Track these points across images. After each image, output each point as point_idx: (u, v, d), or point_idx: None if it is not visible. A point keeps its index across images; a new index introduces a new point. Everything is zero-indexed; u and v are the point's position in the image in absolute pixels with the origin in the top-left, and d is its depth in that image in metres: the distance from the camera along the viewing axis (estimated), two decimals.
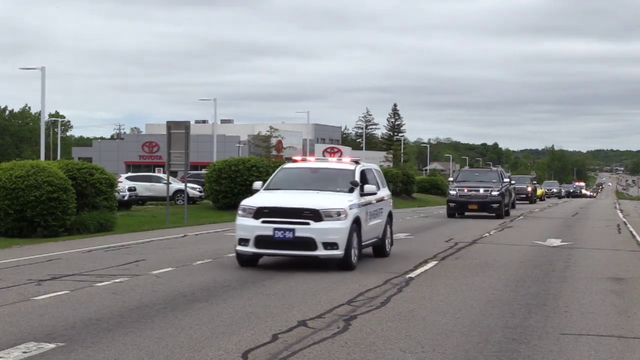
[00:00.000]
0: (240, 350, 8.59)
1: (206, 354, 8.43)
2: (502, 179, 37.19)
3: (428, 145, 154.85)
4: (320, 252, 15.04)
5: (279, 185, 16.81)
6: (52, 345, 8.68)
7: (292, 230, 14.99)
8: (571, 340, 9.46)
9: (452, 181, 36.98)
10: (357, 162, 17.87)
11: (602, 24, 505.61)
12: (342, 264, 15.31)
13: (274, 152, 74.54)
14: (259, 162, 40.29)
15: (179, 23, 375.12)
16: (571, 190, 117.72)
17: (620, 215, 42.26)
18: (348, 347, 8.87)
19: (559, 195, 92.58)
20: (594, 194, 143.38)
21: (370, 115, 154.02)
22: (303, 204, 15.25)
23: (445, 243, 21.85)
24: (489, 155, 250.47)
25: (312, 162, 18.17)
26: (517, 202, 49.92)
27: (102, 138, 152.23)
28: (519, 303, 12.01)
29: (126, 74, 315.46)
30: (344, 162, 17.98)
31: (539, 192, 69.43)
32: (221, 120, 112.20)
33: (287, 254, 15.45)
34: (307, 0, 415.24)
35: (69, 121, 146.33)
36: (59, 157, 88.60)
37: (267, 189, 16.80)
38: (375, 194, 17.26)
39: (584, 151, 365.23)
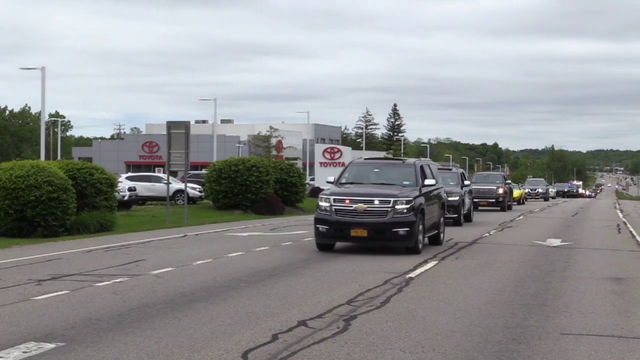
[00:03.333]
0: (240, 350, 8.60)
1: (206, 354, 8.43)
2: (426, 178, 20.12)
3: (428, 145, 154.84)
4: None
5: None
6: (52, 345, 8.68)
7: None
8: (571, 340, 9.46)
9: (335, 181, 19.99)
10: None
11: (602, 24, 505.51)
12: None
13: (274, 152, 74.52)
14: (259, 162, 40.27)
15: (179, 23, 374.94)
16: (566, 190, 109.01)
17: (620, 215, 42.26)
18: (348, 347, 8.87)
19: (544, 197, 74.72)
20: (593, 194, 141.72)
21: (370, 115, 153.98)
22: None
23: (445, 243, 21.84)
24: (489, 155, 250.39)
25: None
26: (484, 208, 42.61)
27: (102, 138, 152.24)
28: (519, 303, 12.01)
29: (126, 74, 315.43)
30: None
31: (516, 193, 55.97)
32: (221, 120, 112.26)
33: None
34: (307, 0, 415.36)
35: (69, 121, 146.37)
36: (59, 157, 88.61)
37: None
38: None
39: (584, 151, 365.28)
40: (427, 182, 19.77)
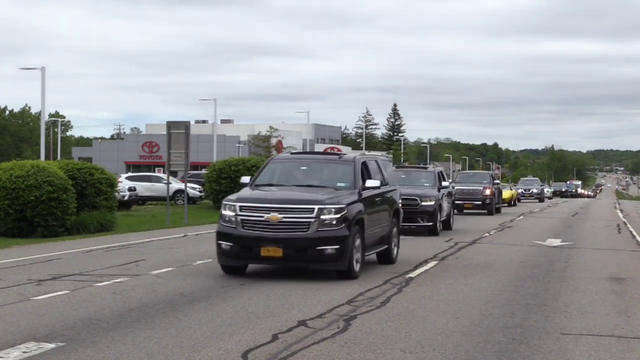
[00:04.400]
0: (240, 350, 8.60)
1: (206, 354, 8.43)
2: (370, 178, 15.74)
3: (428, 145, 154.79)
4: None
5: None
6: (52, 345, 8.68)
7: None
8: (571, 340, 9.47)
9: (250, 183, 15.76)
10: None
11: (602, 24, 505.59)
12: None
13: (274, 152, 74.65)
14: (259, 162, 40.27)
15: (179, 23, 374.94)
16: (563, 190, 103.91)
17: (620, 215, 42.27)
18: (348, 347, 8.87)
19: (539, 198, 67.78)
20: (592, 194, 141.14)
21: (370, 115, 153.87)
22: None
23: (445, 243, 21.86)
24: (489, 155, 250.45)
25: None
26: (469, 211, 38.18)
27: (102, 138, 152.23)
28: (519, 303, 12.02)
29: (126, 74, 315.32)
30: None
31: (507, 194, 50.22)
32: (221, 120, 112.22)
33: None
34: (307, 0, 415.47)
35: (69, 121, 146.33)
36: (59, 157, 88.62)
37: None
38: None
39: (584, 151, 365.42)
40: (369, 183, 15.32)
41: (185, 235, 23.71)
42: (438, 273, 15.43)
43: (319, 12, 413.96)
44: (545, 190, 77.21)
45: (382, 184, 16.20)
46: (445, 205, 26.67)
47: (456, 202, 33.89)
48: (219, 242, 14.27)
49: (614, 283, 14.46)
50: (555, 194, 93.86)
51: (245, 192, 15.06)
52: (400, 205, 17.60)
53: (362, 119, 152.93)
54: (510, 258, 18.27)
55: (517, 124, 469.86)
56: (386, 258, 16.64)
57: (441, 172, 27.93)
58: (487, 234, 25.48)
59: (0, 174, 23.51)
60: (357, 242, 14.30)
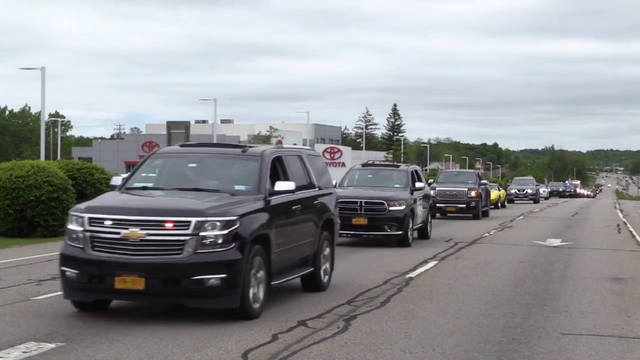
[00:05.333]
0: (240, 350, 8.60)
1: (206, 354, 8.43)
2: (281, 179, 11.82)
3: (428, 145, 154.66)
4: None
5: None
6: (52, 345, 8.68)
7: None
8: (571, 340, 9.47)
9: (121, 185, 11.72)
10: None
11: (602, 24, 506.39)
12: None
13: None
14: None
15: (179, 23, 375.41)
16: (561, 189, 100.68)
17: (620, 215, 42.27)
18: (348, 347, 8.87)
19: (534, 198, 63.33)
20: (592, 194, 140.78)
21: (370, 115, 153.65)
22: None
23: (445, 243, 21.86)
24: (489, 155, 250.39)
25: None
26: (452, 214, 34.94)
27: (102, 138, 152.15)
28: (519, 303, 12.02)
29: (126, 74, 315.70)
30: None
31: (493, 195, 44.85)
32: (221, 120, 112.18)
33: None
34: (307, 0, 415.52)
35: (69, 121, 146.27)
36: (59, 157, 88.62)
37: None
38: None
39: (584, 151, 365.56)
40: (280, 186, 11.35)
41: None
42: (438, 273, 15.42)
43: (318, 12, 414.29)
44: (541, 190, 73.28)
45: (307, 187, 12.65)
46: (420, 210, 22.61)
47: (438, 205, 32.42)
48: (62, 268, 10.32)
49: (614, 283, 14.46)
50: (553, 194, 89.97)
51: (105, 198, 11.47)
52: (335, 214, 13.69)
53: (362, 119, 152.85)
54: (510, 258, 18.26)
55: (517, 124, 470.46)
56: (312, 284, 12.78)
57: (415, 171, 23.96)
58: (487, 234, 25.47)
59: (0, 174, 23.49)
60: (257, 267, 10.45)
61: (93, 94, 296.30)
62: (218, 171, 11.84)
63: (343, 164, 63.78)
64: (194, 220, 9.90)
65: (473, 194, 35.03)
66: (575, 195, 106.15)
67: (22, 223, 23.26)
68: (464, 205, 34.77)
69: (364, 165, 24.85)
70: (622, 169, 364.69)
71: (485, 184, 38.39)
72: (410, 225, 21.20)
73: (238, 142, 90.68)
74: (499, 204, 48.02)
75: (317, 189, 13.05)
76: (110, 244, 9.99)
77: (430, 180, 36.54)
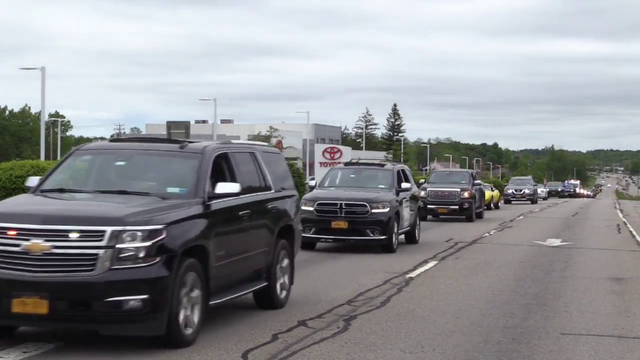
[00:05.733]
0: (240, 350, 8.59)
1: (206, 354, 8.43)
2: (228, 180, 10.10)
3: (428, 145, 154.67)
4: None
5: None
6: (52, 345, 8.67)
7: None
8: (571, 340, 9.47)
9: (35, 187, 9.99)
10: None
11: (602, 24, 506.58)
12: None
13: None
14: None
15: (179, 23, 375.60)
16: (559, 189, 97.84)
17: (620, 215, 42.27)
18: (348, 347, 8.87)
19: (532, 199, 60.93)
20: (592, 194, 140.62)
21: (370, 115, 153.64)
22: None
23: (445, 243, 21.86)
24: (489, 155, 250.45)
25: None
26: (445, 216, 33.12)
27: (102, 138, 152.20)
28: (519, 303, 12.02)
29: (126, 74, 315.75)
30: None
31: (487, 195, 42.85)
32: (221, 120, 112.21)
33: None
34: (307, 0, 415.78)
35: (69, 121, 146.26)
36: (59, 157, 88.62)
37: None
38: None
39: (584, 151, 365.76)
40: (222, 188, 9.70)
41: None
42: (438, 273, 15.42)
43: (318, 12, 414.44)
44: (539, 190, 71.04)
45: (260, 189, 11.01)
46: (407, 213, 20.73)
47: (429, 206, 31.75)
48: None
49: (614, 283, 14.46)
50: (551, 194, 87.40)
51: (8, 202, 9.79)
52: (296, 220, 12.14)
53: (362, 119, 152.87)
54: (510, 258, 18.26)
55: (517, 124, 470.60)
56: (266, 300, 11.12)
57: (402, 171, 21.89)
58: (487, 234, 25.47)
59: (0, 174, 23.50)
60: (191, 285, 8.88)
61: (93, 94, 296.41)
62: (150, 171, 10.16)
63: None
64: (109, 229, 8.25)
65: (466, 194, 33.08)
66: (574, 195, 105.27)
67: None
68: (457, 207, 32.96)
69: (346, 164, 23.48)
70: (622, 169, 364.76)
71: (479, 184, 36.51)
72: (395, 229, 19.30)
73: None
74: (492, 205, 46.38)
75: (272, 191, 11.30)
76: (8, 258, 8.31)
77: (422, 180, 35.69)
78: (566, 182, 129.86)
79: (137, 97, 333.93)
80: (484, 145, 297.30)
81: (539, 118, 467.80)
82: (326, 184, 21.34)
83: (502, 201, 55.31)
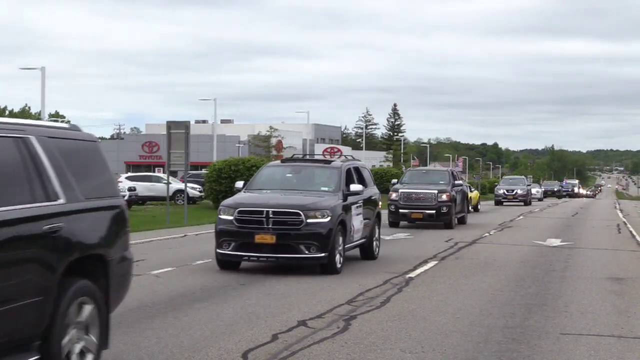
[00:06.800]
0: (240, 350, 8.60)
1: (206, 354, 8.43)
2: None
3: (428, 145, 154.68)
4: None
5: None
6: None
7: None
8: (571, 340, 9.47)
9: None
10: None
11: (602, 24, 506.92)
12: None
13: (274, 152, 74.64)
14: (259, 162, 40.25)
15: (179, 23, 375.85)
16: (555, 189, 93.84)
17: (620, 215, 42.27)
18: (348, 347, 8.87)
19: (524, 200, 55.96)
20: (592, 194, 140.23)
21: (370, 115, 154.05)
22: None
23: (445, 243, 21.87)
24: (489, 155, 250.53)
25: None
26: (421, 222, 28.50)
27: (102, 138, 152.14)
28: (519, 303, 12.02)
29: (126, 74, 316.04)
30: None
31: (474, 196, 40.45)
32: (221, 120, 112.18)
33: None
34: (307, 0, 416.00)
35: (69, 121, 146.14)
36: None
37: None
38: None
39: (584, 151, 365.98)
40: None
41: (185, 235, 23.71)
42: (438, 273, 15.42)
43: (319, 12, 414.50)
44: (534, 191, 66.24)
45: (32, 199, 6.74)
46: (358, 222, 16.59)
47: (401, 210, 28.13)
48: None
49: (614, 283, 14.46)
50: (547, 194, 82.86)
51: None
52: (120, 246, 8.00)
53: (362, 119, 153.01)
54: (510, 258, 18.27)
55: (517, 124, 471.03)
56: None
57: (355, 169, 17.50)
58: (487, 234, 25.48)
59: None
60: (69, 329, 6.95)
61: (93, 94, 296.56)
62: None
63: None
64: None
65: (444, 197, 28.33)
66: (574, 195, 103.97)
67: None
68: (433, 211, 28.20)
69: (284, 160, 19.26)
70: (622, 169, 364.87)
71: (460, 185, 31.23)
72: (340, 245, 15.21)
73: (238, 142, 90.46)
74: (476, 206, 42.43)
75: (61, 201, 7.07)
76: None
77: (394, 180, 33.00)
78: (564, 181, 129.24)
79: (137, 97, 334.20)
80: (484, 145, 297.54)
81: (539, 118, 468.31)
82: (253, 186, 16.66)
83: (481, 203, 48.39)
